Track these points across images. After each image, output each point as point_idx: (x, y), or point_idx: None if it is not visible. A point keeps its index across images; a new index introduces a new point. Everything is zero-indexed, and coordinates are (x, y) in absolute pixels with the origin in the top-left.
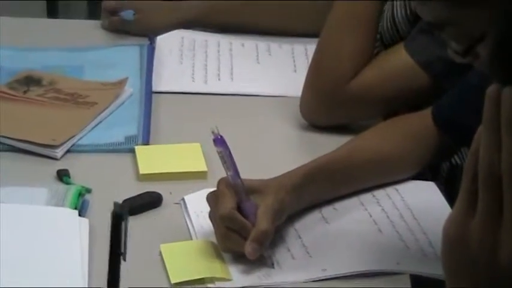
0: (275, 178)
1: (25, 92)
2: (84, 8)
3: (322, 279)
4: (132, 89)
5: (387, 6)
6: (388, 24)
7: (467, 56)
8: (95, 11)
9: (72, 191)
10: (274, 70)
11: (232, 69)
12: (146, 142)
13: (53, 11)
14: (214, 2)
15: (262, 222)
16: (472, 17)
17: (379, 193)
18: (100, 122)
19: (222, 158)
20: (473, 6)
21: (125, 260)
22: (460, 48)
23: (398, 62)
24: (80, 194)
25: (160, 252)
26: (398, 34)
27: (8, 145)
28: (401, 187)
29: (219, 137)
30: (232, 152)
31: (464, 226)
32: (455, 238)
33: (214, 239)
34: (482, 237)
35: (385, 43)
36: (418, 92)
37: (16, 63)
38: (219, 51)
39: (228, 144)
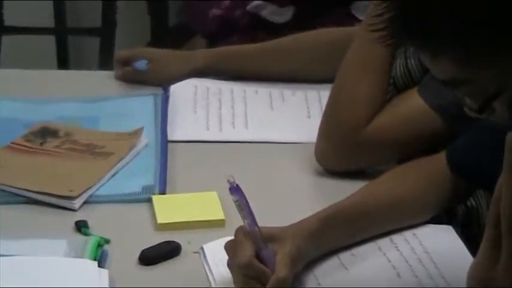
0: (292, 225)
1: (41, 143)
2: (95, 59)
3: None
4: (147, 138)
5: (400, 52)
6: (402, 69)
7: (483, 113)
8: (107, 62)
9: (91, 242)
10: (288, 117)
11: (246, 116)
12: (163, 191)
13: (63, 63)
14: (226, 50)
15: (281, 269)
16: (485, 76)
17: (397, 238)
18: (117, 172)
19: (238, 206)
20: (485, 66)
21: None
22: (475, 106)
23: (412, 107)
24: (99, 245)
25: None
26: (412, 79)
27: (25, 197)
28: (419, 231)
29: (235, 185)
30: (248, 199)
31: (489, 271)
32: (481, 283)
33: None
34: (507, 282)
35: (399, 88)
36: (433, 135)
37: (31, 115)
38: (232, 99)
39: (244, 192)
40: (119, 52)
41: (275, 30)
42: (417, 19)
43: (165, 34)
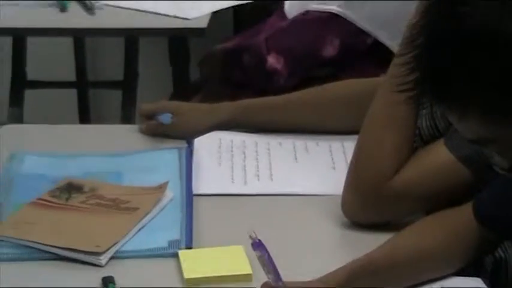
0: (319, 279)
1: (67, 199)
2: (116, 111)
3: None
4: (172, 193)
5: (425, 104)
6: (427, 120)
7: None
8: (129, 115)
9: None
10: (313, 168)
11: (271, 169)
12: (189, 246)
13: (85, 116)
14: (249, 102)
15: None
16: None
17: None
18: (142, 227)
19: (261, 261)
20: None
21: None
22: (505, 164)
23: (439, 158)
24: None
25: None
26: (438, 130)
27: (52, 253)
28: (447, 283)
29: (257, 241)
30: (274, 253)
31: None
32: None
33: None
34: None
35: (424, 139)
36: (459, 186)
37: (57, 170)
38: (257, 151)
39: (270, 245)
40: (143, 105)
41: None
42: (442, 82)
43: (187, 86)
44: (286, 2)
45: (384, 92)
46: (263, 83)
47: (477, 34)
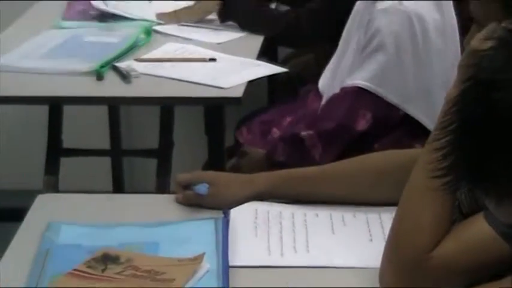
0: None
1: (103, 270)
2: (149, 180)
3: None
4: (209, 264)
5: None
6: (466, 193)
7: None
8: (164, 184)
9: None
10: (350, 240)
11: (308, 240)
12: None
13: (118, 184)
14: (286, 173)
15: None
16: None
17: None
18: None
19: None
20: None
21: None
22: None
23: (479, 233)
24: None
25: None
26: (477, 203)
27: None
28: None
29: None
30: None
31: None
32: None
33: None
34: None
35: (464, 212)
36: (500, 261)
37: (92, 241)
38: (293, 223)
39: None
40: (179, 176)
41: None
42: (477, 168)
43: (221, 154)
44: (320, 80)
45: (422, 168)
46: (298, 159)
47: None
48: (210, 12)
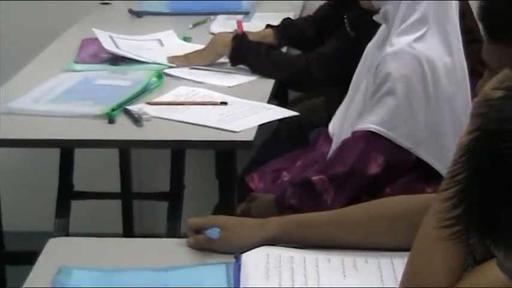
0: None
1: None
2: (160, 222)
3: None
4: None
5: None
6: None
7: None
8: (175, 227)
9: None
10: (361, 285)
11: (319, 285)
12: None
13: (128, 227)
14: (298, 218)
15: None
16: None
17: None
18: None
19: None
20: None
21: None
22: None
23: (492, 279)
24: None
25: None
26: (489, 250)
27: None
28: None
29: None
30: None
31: None
32: None
33: None
34: None
35: (477, 258)
36: None
37: (103, 285)
38: (305, 267)
39: None
40: (191, 220)
41: None
42: (486, 219)
43: (232, 198)
44: (330, 124)
45: (434, 212)
46: (309, 203)
47: None
48: (220, 56)
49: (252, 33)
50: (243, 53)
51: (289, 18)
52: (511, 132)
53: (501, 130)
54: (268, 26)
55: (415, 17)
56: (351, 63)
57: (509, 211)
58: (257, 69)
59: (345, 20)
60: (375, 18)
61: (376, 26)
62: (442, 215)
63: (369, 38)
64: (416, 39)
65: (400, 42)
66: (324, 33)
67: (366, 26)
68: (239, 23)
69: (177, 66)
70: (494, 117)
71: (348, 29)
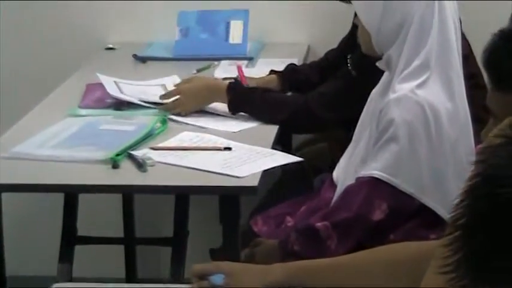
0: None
1: None
2: (163, 267)
3: None
4: None
5: None
6: None
7: None
8: (179, 272)
9: None
10: None
11: None
12: None
13: (131, 272)
14: (301, 264)
15: None
16: None
17: None
18: None
19: None
20: None
21: None
22: None
23: None
24: None
25: None
26: None
27: None
28: None
29: None
30: None
31: None
32: None
33: None
34: None
35: None
36: None
37: None
38: None
39: None
40: (195, 266)
41: None
42: (481, 267)
43: (236, 243)
44: (335, 170)
45: (432, 267)
46: (313, 249)
47: None
48: (207, 86)
49: (256, 78)
50: (239, 102)
51: (293, 64)
52: (510, 178)
53: (500, 176)
54: (272, 71)
55: (417, 62)
56: (352, 102)
57: (507, 258)
58: (255, 115)
59: (348, 60)
60: (378, 64)
61: (378, 70)
62: (442, 261)
63: (371, 80)
64: (419, 85)
65: (403, 88)
66: (328, 79)
67: (368, 67)
68: (239, 69)
69: (169, 98)
70: (493, 163)
71: (350, 68)
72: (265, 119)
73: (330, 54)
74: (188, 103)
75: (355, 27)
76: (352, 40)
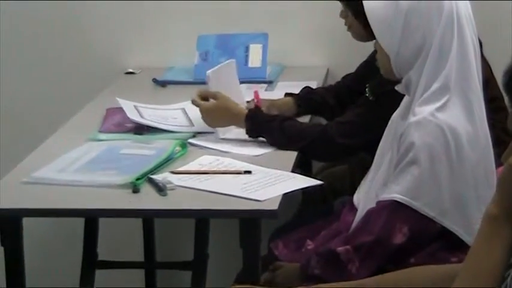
0: None
1: None
2: None
3: None
4: None
5: None
6: None
7: None
8: None
9: None
10: None
11: None
12: None
13: None
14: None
15: None
16: None
17: None
18: None
19: None
20: None
21: None
22: None
23: None
24: None
25: None
26: None
27: None
28: None
29: None
30: None
31: None
32: None
33: None
34: None
35: None
36: None
37: None
38: None
39: None
40: None
41: None
42: None
43: (256, 267)
44: (355, 194)
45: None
46: (334, 273)
47: None
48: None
49: (272, 101)
50: (257, 131)
51: (308, 87)
52: None
53: None
54: (287, 94)
55: (436, 85)
56: (372, 127)
57: None
58: (274, 144)
59: (366, 89)
60: (397, 88)
61: (397, 94)
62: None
63: (390, 105)
64: (439, 108)
65: (423, 111)
66: (345, 102)
67: (386, 93)
68: (255, 94)
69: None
70: None
71: (368, 94)
72: (284, 148)
73: (347, 78)
74: (206, 122)
75: (375, 52)
76: (369, 66)
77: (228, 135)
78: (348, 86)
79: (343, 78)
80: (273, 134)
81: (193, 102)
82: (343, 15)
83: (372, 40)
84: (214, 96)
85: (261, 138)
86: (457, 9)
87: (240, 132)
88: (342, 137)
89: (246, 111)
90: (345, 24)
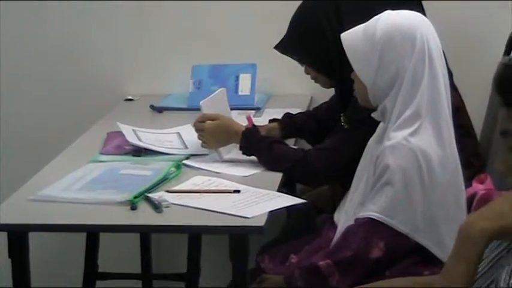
0: None
1: None
2: None
3: None
4: None
5: None
6: None
7: None
8: None
9: None
10: None
11: None
12: None
13: None
14: None
15: None
16: None
17: None
18: None
19: None
20: None
21: None
22: None
23: None
24: None
25: None
26: None
27: None
28: None
29: None
30: None
31: None
32: None
33: None
34: None
35: None
36: None
37: None
38: None
39: None
40: None
41: None
42: None
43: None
44: (335, 212)
45: None
46: (316, 286)
47: None
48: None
49: (260, 126)
50: (250, 149)
51: (288, 113)
52: None
53: None
54: (271, 120)
55: (409, 112)
56: (346, 153)
57: None
58: (262, 162)
59: (341, 118)
60: (373, 115)
61: (370, 121)
62: None
63: (364, 132)
64: (411, 133)
65: (397, 136)
66: (323, 125)
67: (360, 120)
68: (249, 119)
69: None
70: None
71: (343, 123)
72: (270, 168)
73: (324, 105)
74: (209, 142)
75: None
76: (339, 97)
77: (230, 156)
78: (324, 111)
79: (322, 104)
80: (262, 154)
81: (196, 126)
82: (307, 71)
83: (335, 87)
84: (216, 117)
85: (253, 157)
86: (428, 44)
87: (240, 152)
88: (319, 162)
89: (244, 129)
90: (311, 78)
